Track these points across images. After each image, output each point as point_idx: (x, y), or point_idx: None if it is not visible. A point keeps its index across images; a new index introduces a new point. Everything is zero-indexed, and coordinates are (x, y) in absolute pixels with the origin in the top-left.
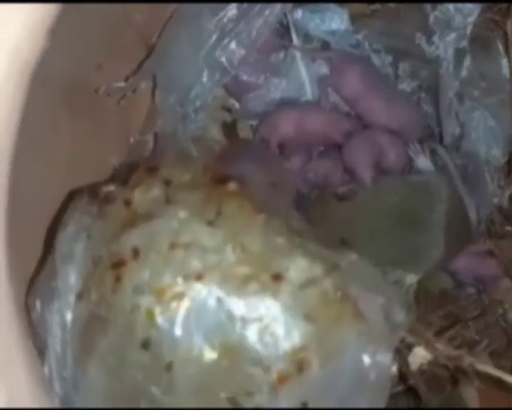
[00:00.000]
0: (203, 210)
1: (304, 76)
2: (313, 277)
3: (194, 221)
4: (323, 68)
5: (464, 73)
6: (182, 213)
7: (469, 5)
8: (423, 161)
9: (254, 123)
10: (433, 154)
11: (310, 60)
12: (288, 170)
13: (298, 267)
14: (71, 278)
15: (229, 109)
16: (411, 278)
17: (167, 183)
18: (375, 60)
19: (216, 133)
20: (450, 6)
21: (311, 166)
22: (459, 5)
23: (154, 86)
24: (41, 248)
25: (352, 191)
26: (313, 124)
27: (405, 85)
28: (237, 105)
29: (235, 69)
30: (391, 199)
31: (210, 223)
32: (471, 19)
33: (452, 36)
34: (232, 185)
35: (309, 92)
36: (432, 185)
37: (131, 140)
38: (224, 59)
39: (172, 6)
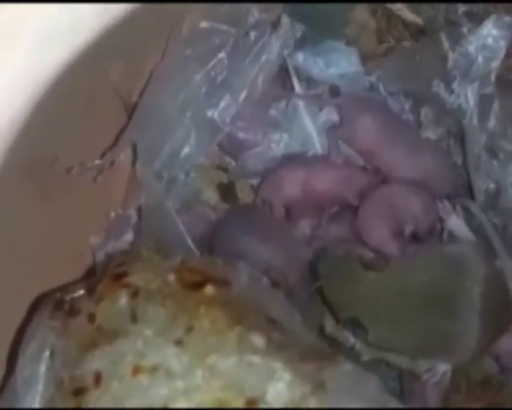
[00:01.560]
0: (171, 327)
1: (309, 127)
2: (293, 399)
3: (160, 341)
4: (332, 117)
5: (492, 123)
6: (148, 331)
7: (494, 46)
8: (455, 222)
9: (254, 182)
10: (467, 212)
11: (316, 108)
12: (296, 237)
13: (276, 390)
14: (32, 402)
15: (225, 169)
16: (445, 367)
17: (135, 294)
18: (393, 104)
19: (211, 196)
20: (472, 47)
21: (321, 232)
22: (481, 46)
23: (135, 157)
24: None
25: (382, 260)
26: (323, 182)
27: (430, 133)
28: (233, 163)
29: (229, 126)
30: (419, 276)
31: (178, 342)
32: (496, 63)
33: (475, 82)
34: (209, 290)
35: (317, 145)
36: (466, 261)
37: (112, 215)
38: (215, 116)
39: (154, 58)
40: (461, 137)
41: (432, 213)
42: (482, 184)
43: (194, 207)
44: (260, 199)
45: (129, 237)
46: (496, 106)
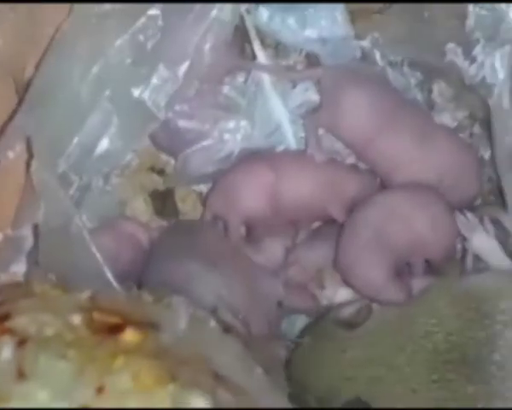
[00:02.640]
0: (76, 387)
1: (278, 112)
2: None
3: (60, 407)
4: (310, 97)
5: None
6: (41, 394)
7: None
8: (483, 242)
9: (203, 189)
10: (499, 226)
11: (287, 85)
12: (260, 268)
13: None
14: None
15: (160, 171)
16: None
17: (22, 342)
18: (394, 78)
19: (142, 209)
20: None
21: (296, 256)
22: None
23: (30, 155)
24: None
25: (365, 311)
26: (298, 189)
27: (447, 117)
28: (173, 163)
29: (165, 111)
30: (426, 325)
31: None
32: None
33: (505, 46)
34: (130, 335)
35: (289, 137)
36: (498, 298)
37: None
38: (145, 96)
39: (57, 16)
40: (489, 122)
41: (449, 231)
42: None
43: (117, 224)
44: (211, 213)
45: (20, 267)
46: None
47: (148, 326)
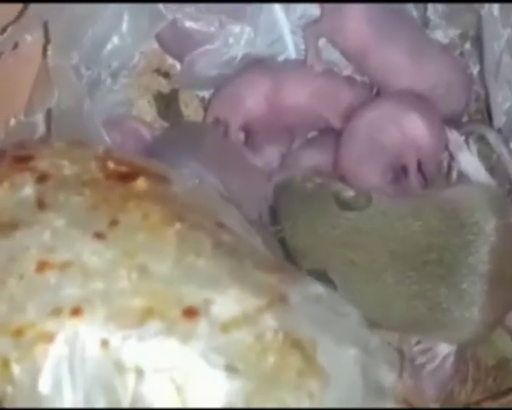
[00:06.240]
0: (90, 218)
1: (281, 22)
2: (244, 312)
3: (75, 233)
4: (311, 9)
5: None
6: (58, 222)
7: None
8: (466, 159)
9: (205, 94)
10: (482, 142)
11: None
12: (256, 169)
13: (223, 299)
14: None
15: (166, 74)
16: (447, 348)
17: (42, 179)
18: None
19: (146, 109)
20: None
21: (290, 161)
22: None
23: (46, 40)
24: None
25: (364, 198)
26: (296, 96)
27: (440, 34)
28: (178, 67)
29: (174, 12)
30: (411, 224)
31: (98, 235)
32: None
33: None
34: (142, 183)
35: (289, 47)
36: (473, 209)
37: (12, 122)
38: None
39: None
40: (479, 40)
41: (438, 133)
42: (503, 101)
43: (123, 122)
44: (212, 116)
45: None
46: None
47: (160, 178)
